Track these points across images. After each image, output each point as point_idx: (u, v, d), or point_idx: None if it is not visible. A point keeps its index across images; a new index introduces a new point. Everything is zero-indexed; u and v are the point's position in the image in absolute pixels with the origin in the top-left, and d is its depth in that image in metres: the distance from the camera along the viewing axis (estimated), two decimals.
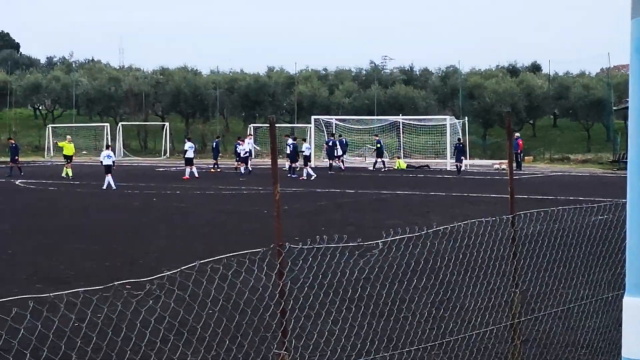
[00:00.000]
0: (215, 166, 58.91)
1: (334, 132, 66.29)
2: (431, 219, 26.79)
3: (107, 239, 24.30)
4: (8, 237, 24.78)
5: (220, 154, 62.21)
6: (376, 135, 65.03)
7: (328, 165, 59.95)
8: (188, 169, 51.39)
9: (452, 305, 11.96)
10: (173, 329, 8.74)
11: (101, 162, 45.64)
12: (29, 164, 70.27)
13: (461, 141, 57.72)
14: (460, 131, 63.89)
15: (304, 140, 57.95)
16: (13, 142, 57.72)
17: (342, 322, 10.76)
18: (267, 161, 68.32)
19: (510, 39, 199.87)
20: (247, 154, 54.30)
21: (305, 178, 50.13)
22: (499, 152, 73.73)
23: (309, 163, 53.54)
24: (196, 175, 50.77)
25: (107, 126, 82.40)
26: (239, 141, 55.99)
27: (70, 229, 26.70)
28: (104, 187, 43.42)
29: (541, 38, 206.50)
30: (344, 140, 64.04)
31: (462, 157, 57.31)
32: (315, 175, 51.30)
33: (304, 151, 54.14)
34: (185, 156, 52.56)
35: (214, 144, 60.51)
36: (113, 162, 45.33)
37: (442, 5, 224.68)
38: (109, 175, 43.80)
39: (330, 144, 60.80)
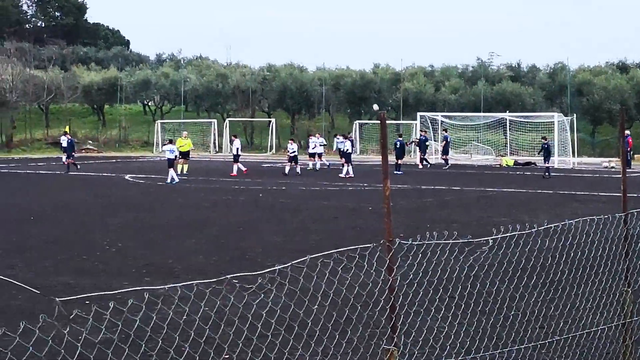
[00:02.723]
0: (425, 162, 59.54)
1: (445, 128, 66.12)
2: (539, 217, 26.53)
3: (214, 233, 24.59)
4: (118, 231, 25.25)
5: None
6: (424, 132, 64.01)
7: (444, 162, 60.04)
8: (235, 166, 51.36)
9: (563, 304, 11.81)
10: (284, 322, 8.81)
11: (165, 153, 46.58)
12: (137, 159, 71.44)
13: (547, 140, 53.69)
14: (568, 128, 62.99)
15: (344, 136, 57.19)
16: (70, 137, 57.76)
17: (451, 318, 10.73)
18: (371, 157, 68.36)
19: (620, 35, 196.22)
20: (295, 153, 53.44)
21: (344, 175, 49.50)
22: (608, 150, 72.54)
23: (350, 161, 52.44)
24: (243, 169, 50.89)
25: (214, 122, 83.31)
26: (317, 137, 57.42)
27: (178, 224, 27.08)
28: (168, 181, 44.59)
29: None
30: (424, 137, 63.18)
31: (550, 158, 52.39)
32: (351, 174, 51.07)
33: (348, 148, 53.34)
34: (233, 153, 52.64)
35: (397, 142, 58.53)
36: (176, 156, 46.30)
37: (549, 2, 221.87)
38: (172, 169, 45.02)
39: (449, 139, 60.88)
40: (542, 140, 53.93)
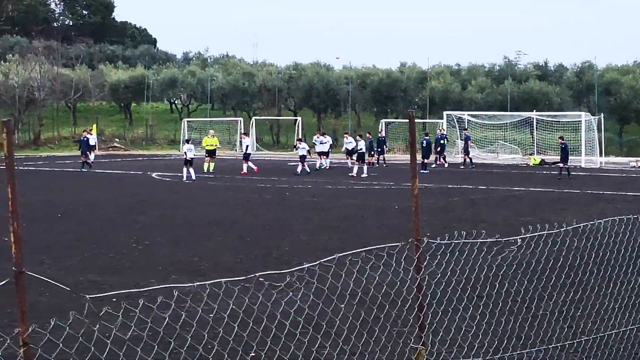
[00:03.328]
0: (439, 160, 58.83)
1: (466, 127, 65.89)
2: (566, 217, 26.41)
3: (241, 232, 24.62)
4: (145, 229, 25.34)
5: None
6: (441, 130, 63.41)
7: (462, 161, 59.76)
8: (245, 165, 50.91)
9: (591, 304, 11.76)
10: (312, 321, 8.80)
11: (185, 153, 46.73)
12: (164, 158, 71.63)
13: (564, 140, 51.09)
14: (595, 128, 62.75)
15: (360, 136, 55.94)
16: (86, 135, 57.46)
17: (478, 318, 10.70)
18: (397, 156, 68.21)
19: None
20: (306, 152, 52.29)
21: (365, 174, 48.99)
22: (635, 150, 72.16)
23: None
24: (254, 168, 50.71)
25: (240, 120, 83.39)
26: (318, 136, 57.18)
27: (204, 222, 27.13)
28: (193, 177, 45.12)
29: None
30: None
31: (568, 159, 49.33)
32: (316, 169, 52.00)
33: (362, 148, 52.39)
34: (245, 152, 51.99)
35: (424, 141, 57.60)
36: (194, 155, 46.68)
37: (577, 1, 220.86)
38: (190, 167, 45.51)
39: (469, 137, 61.19)
40: (559, 140, 51.99)
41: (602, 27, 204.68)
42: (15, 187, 5.46)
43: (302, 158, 51.08)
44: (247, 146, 52.16)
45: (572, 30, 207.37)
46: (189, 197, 36.38)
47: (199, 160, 51.63)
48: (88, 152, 55.39)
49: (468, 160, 59.32)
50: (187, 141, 49.98)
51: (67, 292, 10.98)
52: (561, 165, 49.23)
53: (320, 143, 55.59)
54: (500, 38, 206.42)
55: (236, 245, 21.94)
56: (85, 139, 56.03)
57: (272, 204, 33.28)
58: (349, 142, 57.19)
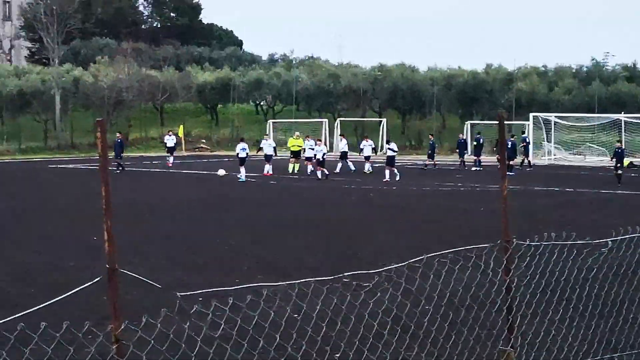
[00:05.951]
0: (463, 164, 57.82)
1: (524, 130, 65.33)
2: None
3: (325, 233, 24.64)
4: (230, 228, 25.51)
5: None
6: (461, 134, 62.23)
7: (521, 161, 59.25)
8: (267, 166, 49.99)
9: None
10: (399, 321, 8.78)
11: (237, 154, 47.47)
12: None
13: (620, 144, 48.47)
14: None
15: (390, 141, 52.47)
16: (120, 137, 56.09)
17: (568, 321, 10.57)
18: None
19: None
20: (324, 155, 48.94)
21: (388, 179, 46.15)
22: None
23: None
24: (269, 172, 49.63)
25: (325, 122, 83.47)
26: (314, 140, 52.32)
27: (288, 222, 27.23)
28: (242, 178, 45.51)
29: None
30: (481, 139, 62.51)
31: (622, 164, 45.94)
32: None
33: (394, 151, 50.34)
34: (265, 153, 50.55)
35: (509, 143, 55.64)
36: (247, 154, 47.23)
37: None
38: (242, 167, 46.10)
39: (527, 140, 60.68)
40: (617, 144, 48.88)
41: None
42: (109, 186, 5.54)
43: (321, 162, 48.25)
44: (261, 148, 51.22)
45: None
46: (273, 197, 36.56)
47: (279, 161, 51.70)
48: (121, 155, 54.19)
49: (527, 161, 59.11)
50: (242, 140, 49.88)
51: (157, 290, 11.10)
52: (618, 172, 45.23)
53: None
54: (588, 39, 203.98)
55: (321, 245, 21.97)
56: (119, 141, 55.08)
57: (357, 205, 33.27)
58: (345, 145, 54.60)
